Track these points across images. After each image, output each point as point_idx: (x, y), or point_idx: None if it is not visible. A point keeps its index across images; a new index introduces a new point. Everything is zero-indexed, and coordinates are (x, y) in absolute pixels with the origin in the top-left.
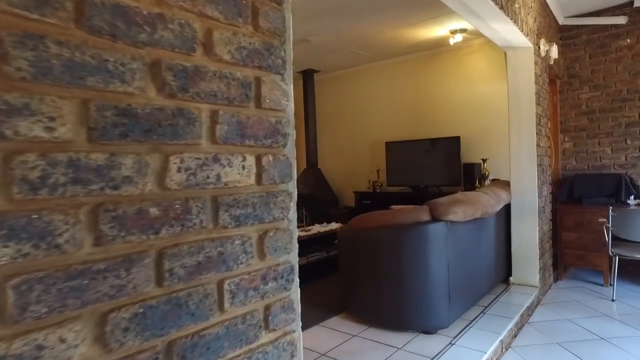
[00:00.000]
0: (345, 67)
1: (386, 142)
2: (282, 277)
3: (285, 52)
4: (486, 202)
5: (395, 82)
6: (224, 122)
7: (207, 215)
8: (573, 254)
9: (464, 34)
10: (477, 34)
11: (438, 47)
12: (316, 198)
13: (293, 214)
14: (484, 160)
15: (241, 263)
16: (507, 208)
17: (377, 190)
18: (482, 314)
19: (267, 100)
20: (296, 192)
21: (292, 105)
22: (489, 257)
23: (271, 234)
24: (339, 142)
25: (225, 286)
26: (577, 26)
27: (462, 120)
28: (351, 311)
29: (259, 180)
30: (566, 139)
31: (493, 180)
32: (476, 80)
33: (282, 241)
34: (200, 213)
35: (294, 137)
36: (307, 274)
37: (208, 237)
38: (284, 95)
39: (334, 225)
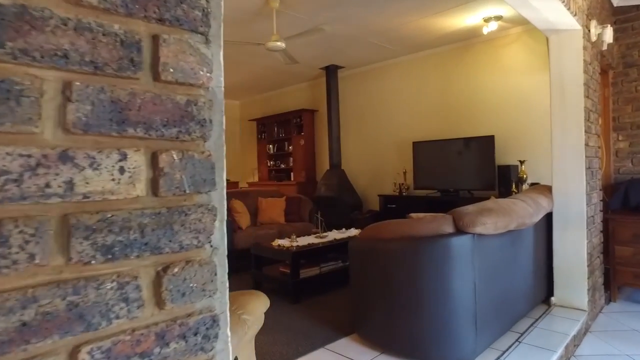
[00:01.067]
0: (370, 62)
1: (413, 142)
2: (196, 334)
3: (208, 0)
4: (523, 211)
5: (423, 78)
6: (84, 99)
7: (46, 246)
8: (629, 272)
9: (499, 22)
10: (515, 22)
11: (470, 38)
12: (338, 201)
13: (220, 238)
14: (522, 162)
15: (117, 317)
16: (548, 217)
17: (404, 194)
18: (516, 343)
19: (171, 70)
20: (225, 204)
21: (221, 80)
22: (525, 275)
23: (176, 270)
24: (364, 142)
25: (83, 356)
26: (637, 7)
27: (497, 118)
28: (362, 333)
29: (153, 189)
30: (620, 138)
31: (532, 184)
32: (513, 74)
33: (198, 280)
34: (28, 243)
35: (223, 125)
36: (320, 286)
37: (48, 280)
38: (204, 63)
39: (353, 232)
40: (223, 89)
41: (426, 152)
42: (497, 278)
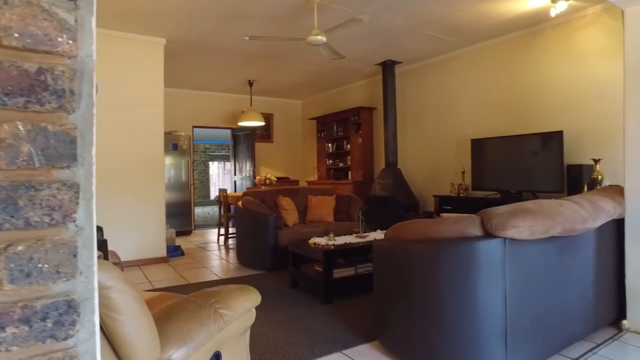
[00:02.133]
0: (428, 56)
1: (472, 140)
2: (44, 319)
3: None
4: (573, 214)
5: (485, 70)
6: None
7: None
8: None
9: (569, 1)
10: (589, 0)
11: (537, 23)
12: (393, 201)
13: (86, 217)
14: (596, 161)
15: None
16: (619, 224)
17: (461, 195)
18: None
19: (16, 35)
20: (94, 182)
21: (92, 49)
22: (581, 290)
23: (20, 248)
24: (422, 140)
25: None
26: None
27: (567, 111)
28: (383, 341)
29: None
30: None
31: (610, 186)
32: (589, 61)
33: (51, 260)
34: None
35: (93, 98)
36: (355, 287)
37: None
38: (63, 30)
39: None
40: (95, 58)
41: (486, 150)
42: (538, 291)
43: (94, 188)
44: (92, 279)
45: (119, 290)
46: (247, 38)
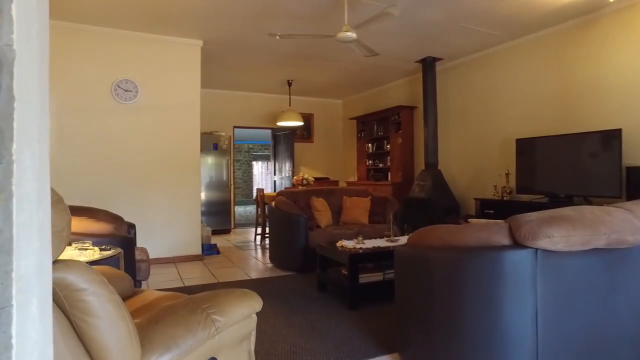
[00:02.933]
0: (471, 51)
1: (517, 140)
2: None
3: None
4: (622, 224)
5: (534, 65)
6: None
7: None
8: None
9: None
10: None
11: (593, 10)
12: (432, 204)
13: (4, 219)
14: None
15: None
16: None
17: (505, 198)
18: None
19: None
20: (13, 181)
21: (12, 38)
22: (636, 312)
23: None
24: (464, 140)
25: None
26: None
27: (627, 108)
28: (403, 353)
29: None
30: None
31: None
32: None
33: None
34: None
35: (13, 91)
36: (383, 294)
37: None
38: None
39: None
40: (15, 47)
41: (533, 150)
42: (577, 311)
43: (13, 187)
44: (9, 286)
45: (93, 293)
46: (278, 37)
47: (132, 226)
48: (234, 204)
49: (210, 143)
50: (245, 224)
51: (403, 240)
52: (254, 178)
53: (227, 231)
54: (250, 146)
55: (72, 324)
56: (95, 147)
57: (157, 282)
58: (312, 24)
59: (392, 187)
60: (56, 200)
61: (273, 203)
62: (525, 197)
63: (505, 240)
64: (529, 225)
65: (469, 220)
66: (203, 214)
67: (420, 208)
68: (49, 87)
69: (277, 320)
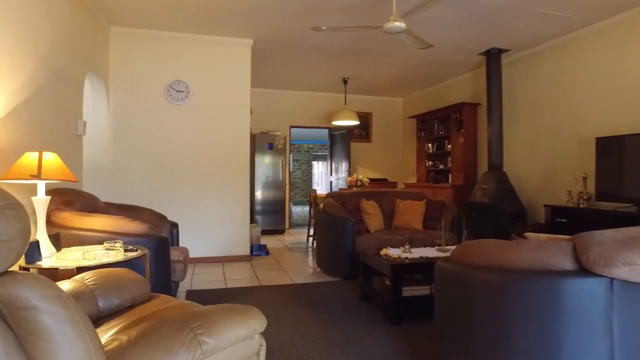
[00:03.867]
0: (543, 39)
1: (597, 138)
2: None
3: None
4: None
5: (619, 51)
6: None
7: None
8: None
9: None
10: None
11: None
12: (495, 209)
13: None
14: None
15: None
16: None
17: (581, 205)
18: None
19: None
20: None
21: None
22: None
23: None
24: (533, 139)
25: None
26: None
27: None
28: None
29: None
30: None
31: None
32: None
33: None
34: None
35: None
36: (426, 308)
37: None
38: None
39: None
40: None
41: (618, 150)
42: None
43: None
44: None
45: (47, 311)
46: (323, 29)
47: (174, 225)
48: (290, 204)
49: (266, 143)
50: (302, 224)
51: None
52: (314, 178)
53: (281, 231)
54: (310, 146)
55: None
56: (148, 147)
57: (199, 282)
58: (362, 16)
59: (452, 190)
60: (4, 205)
61: (321, 205)
62: (607, 205)
63: (567, 264)
64: (600, 248)
65: (525, 234)
66: (258, 212)
67: (482, 214)
68: (109, 89)
69: (310, 331)
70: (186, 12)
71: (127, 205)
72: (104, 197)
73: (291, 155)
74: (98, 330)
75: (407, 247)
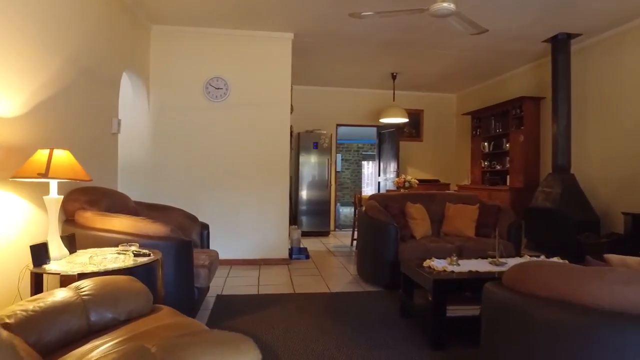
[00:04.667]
0: (625, 19)
1: None
2: None
3: None
4: None
5: None
6: None
7: None
8: None
9: None
10: None
11: None
12: (561, 216)
13: None
14: None
15: None
16: None
17: None
18: None
19: None
20: None
21: None
22: None
23: None
24: (607, 136)
25: None
26: None
27: None
28: None
29: None
30: None
31: None
32: None
33: None
34: None
35: None
36: (476, 331)
37: None
38: None
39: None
40: None
41: None
42: None
43: None
44: None
45: None
46: (363, 14)
47: (205, 227)
48: (337, 205)
49: (310, 142)
50: (349, 226)
51: (512, 264)
52: (363, 178)
53: (325, 234)
54: (360, 145)
55: None
56: (186, 146)
57: (232, 286)
58: (407, 1)
59: (510, 193)
60: None
61: (363, 208)
62: None
63: None
64: None
65: (605, 256)
66: (302, 213)
67: (546, 221)
68: (149, 88)
69: (339, 350)
70: (225, 6)
71: (158, 205)
72: (141, 195)
73: (340, 155)
74: (83, 348)
75: (455, 258)
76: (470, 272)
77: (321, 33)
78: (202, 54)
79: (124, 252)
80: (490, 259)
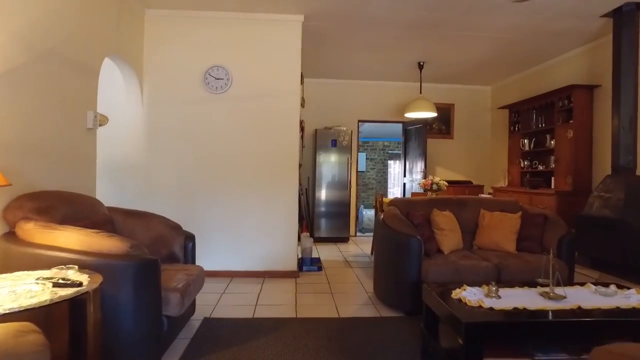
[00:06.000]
0: None
1: None
2: None
3: None
4: None
5: None
6: None
7: None
8: None
9: None
10: None
11: None
12: (625, 227)
13: None
14: None
15: None
16: None
17: None
18: None
19: None
20: None
21: None
22: None
23: None
24: None
25: None
26: None
27: None
28: None
29: None
30: None
31: None
32: None
33: None
34: None
35: None
36: None
37: None
38: None
39: (634, 299)
40: None
41: None
42: None
43: None
44: None
45: None
46: None
47: (190, 238)
48: (360, 207)
49: (329, 139)
50: (373, 230)
51: (572, 297)
52: (389, 179)
53: (344, 240)
54: (386, 144)
55: None
56: (182, 143)
57: (225, 306)
58: None
59: (556, 197)
60: None
61: (381, 215)
62: None
63: None
64: None
65: None
66: (321, 215)
67: (604, 232)
68: (142, 80)
69: None
70: None
71: (138, 212)
72: (134, 199)
73: (364, 154)
74: None
75: (494, 288)
76: (515, 309)
77: (335, 14)
78: (200, 40)
79: (44, 281)
80: (540, 288)
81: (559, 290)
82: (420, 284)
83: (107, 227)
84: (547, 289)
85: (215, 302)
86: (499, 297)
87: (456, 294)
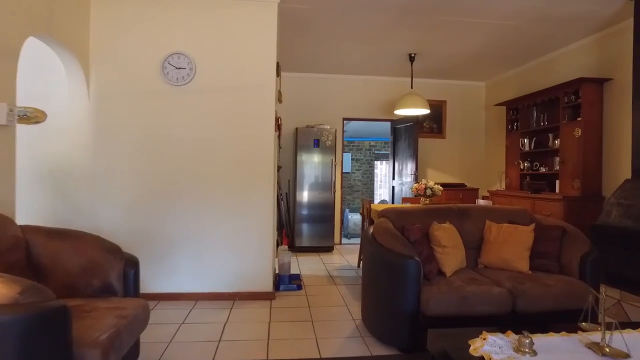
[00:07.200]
0: None
1: None
2: None
3: None
4: None
5: None
6: None
7: None
8: None
9: None
10: None
11: None
12: None
13: None
14: None
15: None
16: None
17: None
18: None
19: None
20: None
21: None
22: None
23: None
24: None
25: None
26: None
27: None
28: None
29: None
30: None
31: None
32: None
33: None
34: None
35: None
36: None
37: None
38: None
39: None
40: None
41: None
42: None
43: None
44: None
45: None
46: None
47: (132, 263)
48: (342, 213)
49: (311, 139)
50: (359, 235)
51: (637, 350)
52: (376, 181)
53: (328, 249)
54: (372, 143)
55: None
56: (136, 142)
57: (181, 343)
58: None
59: (563, 203)
60: None
61: (370, 230)
62: None
63: None
64: None
65: None
66: (301, 221)
67: (626, 245)
68: (89, 69)
69: None
70: None
71: (64, 231)
72: (76, 212)
73: (349, 154)
74: None
75: (528, 341)
76: None
77: None
78: (158, 23)
79: None
80: (586, 337)
81: (618, 343)
82: (419, 316)
83: (15, 256)
84: (596, 339)
85: (169, 338)
86: (535, 352)
87: (475, 349)
